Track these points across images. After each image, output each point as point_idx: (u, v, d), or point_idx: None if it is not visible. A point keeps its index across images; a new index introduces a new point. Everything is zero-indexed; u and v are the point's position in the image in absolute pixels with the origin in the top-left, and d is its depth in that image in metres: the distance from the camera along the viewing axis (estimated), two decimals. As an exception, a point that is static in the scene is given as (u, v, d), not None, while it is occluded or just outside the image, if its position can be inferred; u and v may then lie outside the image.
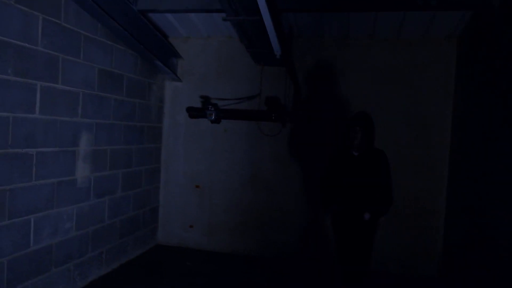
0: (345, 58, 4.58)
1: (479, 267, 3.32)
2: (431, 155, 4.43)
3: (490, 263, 3.13)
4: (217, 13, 3.98)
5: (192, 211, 5.05)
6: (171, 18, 4.41)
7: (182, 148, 5.05)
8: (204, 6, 3.60)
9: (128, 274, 4.06)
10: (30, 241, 3.01)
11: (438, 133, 4.41)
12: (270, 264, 4.59)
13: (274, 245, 4.81)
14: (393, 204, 3.29)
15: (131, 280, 3.89)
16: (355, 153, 3.29)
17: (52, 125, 3.16)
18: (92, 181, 3.72)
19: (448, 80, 4.38)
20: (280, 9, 3.38)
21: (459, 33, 4.23)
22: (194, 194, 5.04)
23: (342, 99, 4.60)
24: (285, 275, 4.28)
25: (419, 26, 4.17)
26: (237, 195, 4.90)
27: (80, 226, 3.59)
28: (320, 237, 4.62)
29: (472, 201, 3.60)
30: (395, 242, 4.50)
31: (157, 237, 5.13)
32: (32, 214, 3.01)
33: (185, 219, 5.07)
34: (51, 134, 3.15)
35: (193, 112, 4.70)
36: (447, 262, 4.25)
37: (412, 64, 4.44)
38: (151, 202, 4.92)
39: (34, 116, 2.97)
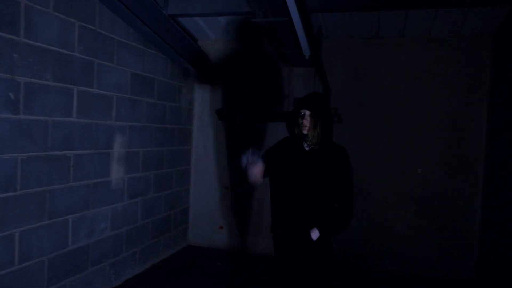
0: (375, 58, 4.52)
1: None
2: (465, 155, 4.32)
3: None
4: (246, 16, 4.01)
5: (221, 212, 5.09)
6: (200, 22, 4.48)
7: (212, 150, 5.11)
8: (233, 9, 3.63)
9: (160, 274, 4.13)
10: (68, 241, 3.12)
11: (473, 132, 4.29)
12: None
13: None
14: (354, 217, 2.43)
15: (163, 280, 3.96)
16: (306, 147, 2.40)
17: (87, 128, 3.26)
18: (126, 182, 3.81)
19: (483, 79, 4.25)
20: (310, 10, 3.37)
21: (493, 30, 4.11)
22: (223, 196, 5.08)
23: (372, 99, 4.55)
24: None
25: (452, 23, 4.07)
26: (261, 195, 4.90)
27: (115, 227, 3.68)
28: (347, 240, 4.57)
29: (509, 201, 3.48)
30: (429, 244, 4.40)
31: (188, 237, 5.20)
32: (70, 215, 3.11)
33: (214, 220, 5.12)
34: (87, 137, 3.25)
35: (222, 114, 4.74)
36: (484, 264, 4.12)
37: (444, 63, 4.34)
38: (182, 203, 4.99)
39: (71, 119, 3.07)
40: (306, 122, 2.34)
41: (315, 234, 2.36)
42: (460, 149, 4.32)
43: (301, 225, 2.37)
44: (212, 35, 4.87)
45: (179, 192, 4.89)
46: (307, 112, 2.35)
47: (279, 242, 2.55)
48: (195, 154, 5.17)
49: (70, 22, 2.98)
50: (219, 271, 4.29)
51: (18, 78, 2.58)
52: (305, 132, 2.34)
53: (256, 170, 2.39)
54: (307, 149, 2.40)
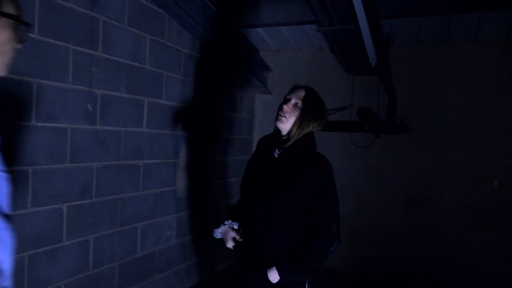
0: (445, 64, 4.29)
1: None
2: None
3: None
4: (308, 25, 3.97)
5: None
6: (261, 32, 4.49)
7: (272, 160, 5.07)
8: (297, 19, 3.60)
9: (221, 283, 4.14)
10: (137, 248, 3.20)
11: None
12: (359, 280, 4.39)
13: (363, 260, 4.60)
14: (336, 249, 1.85)
15: (225, 290, 3.96)
16: (275, 153, 1.87)
17: (156, 138, 3.35)
18: (190, 191, 3.87)
19: None
20: (379, 16, 3.26)
21: None
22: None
23: (441, 107, 4.30)
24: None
25: (533, 25, 3.77)
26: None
27: (179, 235, 3.75)
28: (413, 256, 4.32)
29: None
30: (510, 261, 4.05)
31: (247, 248, 5.18)
32: (139, 222, 3.20)
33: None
34: (155, 147, 3.35)
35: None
36: None
37: (525, 68, 4.02)
38: (242, 213, 5.00)
39: (142, 130, 3.18)
40: (287, 109, 1.80)
41: (273, 276, 1.76)
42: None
43: (260, 257, 1.82)
44: (273, 46, 4.87)
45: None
46: (294, 99, 1.82)
47: (236, 274, 2.05)
48: (255, 164, 5.17)
49: (142, 36, 3.10)
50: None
51: (96, 90, 2.71)
52: (279, 124, 1.81)
53: (232, 234, 2.05)
54: (276, 155, 1.86)
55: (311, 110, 1.81)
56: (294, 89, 1.92)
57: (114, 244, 2.97)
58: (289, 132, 1.82)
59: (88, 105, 2.66)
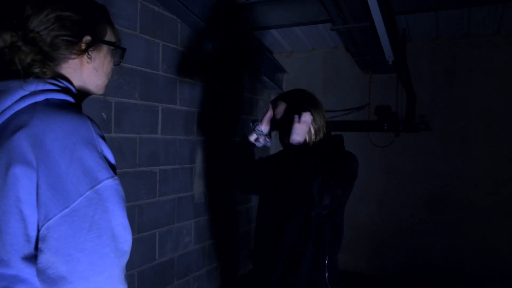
0: (466, 59, 4.16)
1: None
2: None
3: None
4: (322, 24, 3.91)
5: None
6: (275, 34, 4.45)
7: (289, 163, 5.02)
8: (310, 18, 3.54)
9: (242, 288, 4.11)
10: (156, 254, 3.20)
11: None
12: (381, 284, 4.29)
13: (386, 262, 4.49)
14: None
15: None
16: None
17: (171, 143, 3.35)
18: (207, 196, 3.85)
19: None
20: (395, 12, 3.18)
21: None
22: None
23: (463, 104, 4.17)
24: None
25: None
26: (347, 209, 4.69)
27: (198, 240, 3.73)
28: (437, 257, 4.19)
29: None
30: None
31: (267, 252, 5.13)
32: (156, 229, 3.19)
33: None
34: (171, 152, 3.34)
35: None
36: None
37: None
38: (261, 217, 4.95)
39: (157, 136, 3.17)
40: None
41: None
42: None
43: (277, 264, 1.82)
44: (287, 47, 4.82)
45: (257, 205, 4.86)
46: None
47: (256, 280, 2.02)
48: (272, 167, 5.12)
49: (155, 42, 3.10)
50: None
51: (110, 98, 2.71)
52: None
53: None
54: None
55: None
56: (277, 108, 2.00)
57: (133, 251, 2.96)
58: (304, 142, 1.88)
59: (103, 113, 2.67)
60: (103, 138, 1.00)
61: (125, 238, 0.97)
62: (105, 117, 2.69)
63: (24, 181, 0.89)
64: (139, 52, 2.95)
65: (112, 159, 1.03)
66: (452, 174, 4.20)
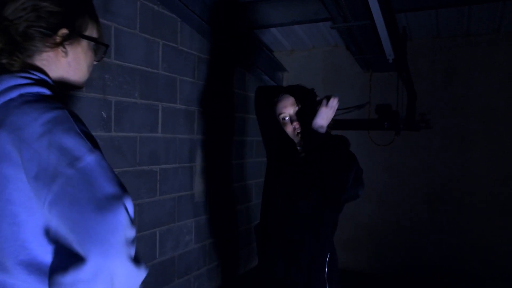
0: (466, 57, 4.15)
1: None
2: None
3: None
4: (323, 23, 3.90)
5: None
6: (275, 32, 4.45)
7: (290, 161, 5.02)
8: (311, 17, 3.54)
9: (243, 286, 4.10)
10: (156, 253, 3.20)
11: None
12: (381, 282, 4.29)
13: (386, 261, 4.48)
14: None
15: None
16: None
17: (172, 142, 3.34)
18: (208, 195, 3.85)
19: None
20: (395, 10, 3.17)
21: None
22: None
23: (463, 102, 4.16)
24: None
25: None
26: (348, 208, 4.68)
27: (198, 239, 3.73)
28: (438, 256, 4.19)
29: None
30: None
31: (268, 250, 5.13)
32: (157, 228, 3.19)
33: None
34: (171, 151, 3.34)
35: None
36: None
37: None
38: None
39: (157, 135, 3.17)
40: (297, 125, 1.86)
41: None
42: None
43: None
44: (287, 45, 4.82)
45: (259, 204, 4.86)
46: (292, 113, 1.86)
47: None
48: (273, 166, 5.12)
49: (155, 41, 3.10)
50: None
51: (110, 97, 2.71)
52: (298, 140, 1.87)
53: None
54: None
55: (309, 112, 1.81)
56: (282, 101, 1.90)
57: (133, 250, 2.96)
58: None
59: (103, 112, 2.67)
60: (82, 122, 0.97)
61: (116, 206, 0.90)
62: (105, 116, 2.69)
63: (15, 183, 0.88)
64: (139, 51, 2.95)
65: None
66: (453, 172, 4.20)
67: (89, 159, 0.89)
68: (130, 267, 0.90)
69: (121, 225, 0.87)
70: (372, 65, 4.30)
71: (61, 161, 0.87)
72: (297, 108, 1.83)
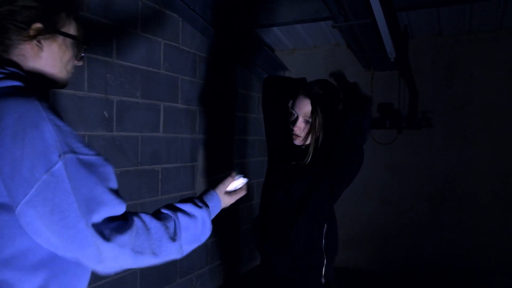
0: (468, 55, 4.14)
1: None
2: None
3: None
4: (324, 22, 3.90)
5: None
6: (277, 31, 4.45)
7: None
8: (312, 16, 3.54)
9: (245, 285, 4.11)
10: (158, 252, 3.20)
11: None
12: (383, 281, 4.29)
13: (388, 259, 4.48)
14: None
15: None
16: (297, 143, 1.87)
17: (173, 142, 3.35)
18: (210, 194, 3.85)
19: None
20: (396, 8, 3.17)
21: None
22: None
23: (466, 100, 4.16)
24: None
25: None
26: (349, 207, 4.69)
27: (200, 238, 3.73)
28: (439, 254, 4.18)
29: None
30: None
31: (270, 249, 5.14)
32: (159, 227, 3.19)
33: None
34: (173, 151, 3.34)
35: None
36: None
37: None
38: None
39: (159, 134, 3.18)
40: (299, 129, 1.80)
41: None
42: None
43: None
44: (289, 45, 4.82)
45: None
46: (302, 115, 1.79)
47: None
48: (275, 165, 5.12)
49: (156, 41, 3.10)
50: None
51: (111, 97, 2.72)
52: (297, 142, 1.84)
53: None
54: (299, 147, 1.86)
55: (322, 118, 1.76)
56: (299, 102, 1.82)
57: (135, 250, 2.97)
58: (309, 145, 1.82)
59: (104, 112, 2.67)
60: (57, 115, 0.95)
61: (96, 205, 0.92)
62: (107, 116, 2.69)
63: None
64: (140, 50, 2.95)
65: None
66: (454, 170, 4.20)
67: (60, 163, 0.89)
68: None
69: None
70: (374, 63, 4.30)
71: (35, 164, 0.87)
72: (309, 120, 1.78)
